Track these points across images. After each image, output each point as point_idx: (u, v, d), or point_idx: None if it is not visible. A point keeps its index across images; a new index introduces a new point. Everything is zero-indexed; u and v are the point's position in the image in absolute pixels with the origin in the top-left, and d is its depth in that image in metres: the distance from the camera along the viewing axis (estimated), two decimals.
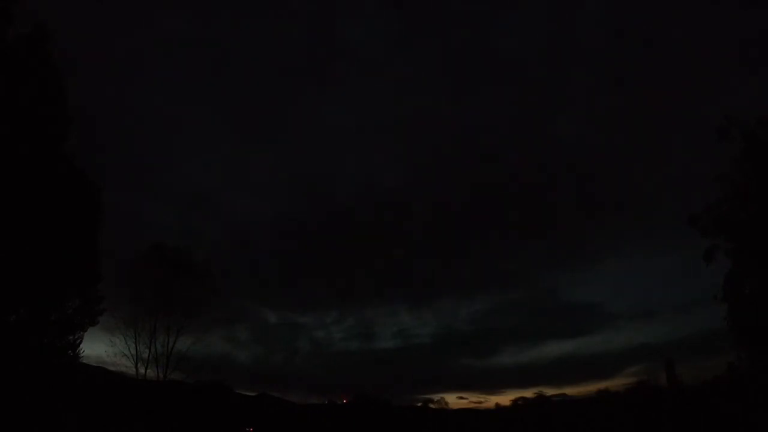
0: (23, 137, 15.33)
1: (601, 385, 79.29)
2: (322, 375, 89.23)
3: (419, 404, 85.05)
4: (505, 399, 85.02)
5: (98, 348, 28.13)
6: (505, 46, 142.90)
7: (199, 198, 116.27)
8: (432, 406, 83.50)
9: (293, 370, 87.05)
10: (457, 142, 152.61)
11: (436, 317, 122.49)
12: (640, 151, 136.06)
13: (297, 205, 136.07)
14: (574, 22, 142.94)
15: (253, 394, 65.08)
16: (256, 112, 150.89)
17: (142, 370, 30.05)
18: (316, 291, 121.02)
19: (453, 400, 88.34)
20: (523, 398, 79.43)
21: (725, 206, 21.81)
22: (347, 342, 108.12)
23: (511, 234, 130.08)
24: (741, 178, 21.45)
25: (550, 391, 78.53)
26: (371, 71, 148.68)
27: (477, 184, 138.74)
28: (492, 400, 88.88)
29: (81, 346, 17.44)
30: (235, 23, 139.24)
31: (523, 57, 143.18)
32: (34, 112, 15.72)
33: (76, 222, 17.01)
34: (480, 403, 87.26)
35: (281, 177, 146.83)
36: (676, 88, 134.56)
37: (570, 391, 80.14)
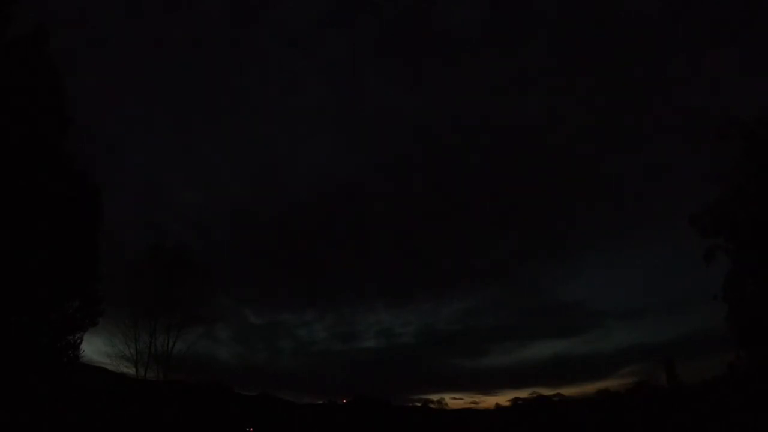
0: (23, 137, 15.35)
1: (596, 386, 79.31)
2: (314, 375, 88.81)
3: (419, 404, 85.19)
4: (501, 399, 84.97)
5: (98, 348, 28.22)
6: (451, 18, 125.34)
7: (153, 190, 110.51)
8: (432, 406, 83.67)
9: (286, 370, 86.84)
10: (410, 128, 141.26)
11: (417, 316, 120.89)
12: (619, 139, 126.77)
13: (252, 197, 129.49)
14: None
15: (252, 394, 65.12)
16: (195, 99, 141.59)
17: (142, 371, 30.09)
18: (288, 288, 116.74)
19: (448, 400, 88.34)
20: (521, 399, 79.62)
21: (725, 206, 21.84)
22: (331, 341, 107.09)
23: (482, 228, 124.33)
24: (741, 178, 21.47)
25: (544, 392, 78.59)
26: (304, 52, 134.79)
27: (442, 175, 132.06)
28: (487, 401, 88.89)
29: (81, 346, 17.51)
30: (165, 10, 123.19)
31: (474, 30, 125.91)
32: (34, 112, 15.73)
33: (76, 222, 17.04)
34: (476, 403, 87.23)
35: (231, 167, 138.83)
36: (656, 66, 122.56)
37: (565, 391, 79.84)
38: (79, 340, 17.38)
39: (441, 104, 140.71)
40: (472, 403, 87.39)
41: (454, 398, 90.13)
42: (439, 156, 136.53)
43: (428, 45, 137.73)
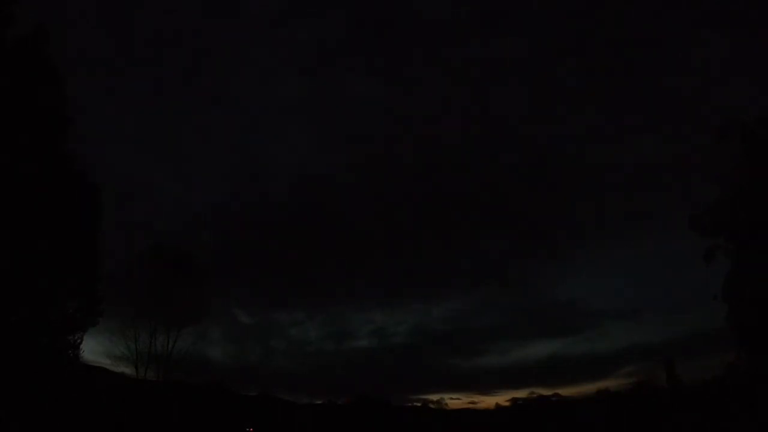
0: (23, 138, 15.36)
1: (596, 386, 78.83)
2: (311, 374, 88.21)
3: (418, 404, 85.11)
4: (500, 399, 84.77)
5: (98, 348, 28.24)
6: (429, 6, 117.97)
7: (136, 189, 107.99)
8: (431, 406, 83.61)
9: (283, 370, 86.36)
10: (394, 121, 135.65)
11: (410, 316, 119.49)
12: (619, 136, 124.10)
13: (236, 196, 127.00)
14: None
15: (252, 394, 65.09)
16: (173, 97, 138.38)
17: (142, 371, 30.10)
18: (278, 288, 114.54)
19: (447, 400, 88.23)
20: (519, 399, 79.43)
21: (725, 206, 21.85)
22: (324, 341, 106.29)
23: (476, 226, 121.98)
24: (741, 178, 21.49)
25: (543, 392, 78.27)
26: (270, 41, 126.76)
27: (432, 171, 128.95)
28: (486, 401, 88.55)
29: (81, 346, 17.52)
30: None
31: (454, 17, 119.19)
32: (34, 112, 15.74)
33: (76, 222, 17.05)
34: (474, 403, 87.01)
35: (214, 166, 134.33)
36: (656, 62, 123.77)
37: (564, 391, 79.29)
38: (79, 340, 17.41)
39: (422, 96, 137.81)
40: (470, 403, 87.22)
41: (452, 398, 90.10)
42: (428, 152, 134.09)
43: (405, 34, 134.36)
